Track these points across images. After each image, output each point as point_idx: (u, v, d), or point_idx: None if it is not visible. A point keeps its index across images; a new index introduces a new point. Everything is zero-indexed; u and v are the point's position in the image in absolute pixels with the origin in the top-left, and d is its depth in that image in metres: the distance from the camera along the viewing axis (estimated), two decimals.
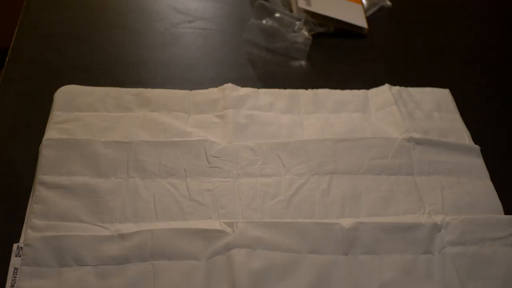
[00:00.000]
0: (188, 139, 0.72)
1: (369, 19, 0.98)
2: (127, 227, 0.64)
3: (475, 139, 0.78)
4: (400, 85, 0.84)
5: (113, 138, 0.72)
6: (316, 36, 0.92)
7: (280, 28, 0.90)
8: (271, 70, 0.88)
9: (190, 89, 0.80)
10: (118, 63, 0.86)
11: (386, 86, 0.83)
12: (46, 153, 0.69)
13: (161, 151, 0.71)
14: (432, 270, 0.63)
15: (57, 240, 0.61)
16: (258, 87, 0.82)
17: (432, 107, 0.82)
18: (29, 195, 0.66)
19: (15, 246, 0.61)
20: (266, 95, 0.81)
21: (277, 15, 0.91)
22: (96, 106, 0.76)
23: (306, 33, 0.90)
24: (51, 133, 0.72)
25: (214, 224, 0.65)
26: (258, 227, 0.64)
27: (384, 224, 0.65)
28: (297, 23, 0.90)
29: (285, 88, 0.83)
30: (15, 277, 0.59)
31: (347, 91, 0.83)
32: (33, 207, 0.64)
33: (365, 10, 0.99)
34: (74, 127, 0.73)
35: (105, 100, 0.77)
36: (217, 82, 0.82)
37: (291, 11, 0.94)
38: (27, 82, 0.81)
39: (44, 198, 0.65)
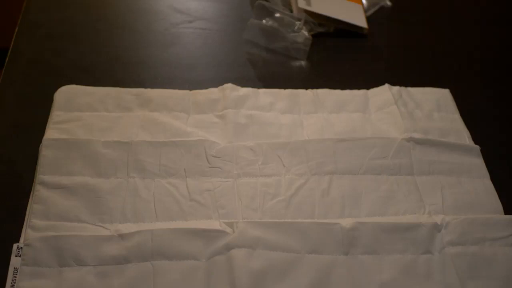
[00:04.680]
0: (188, 139, 0.72)
1: (369, 19, 0.98)
2: (127, 227, 0.64)
3: (475, 139, 0.78)
4: (400, 85, 0.84)
5: (113, 138, 0.72)
6: (316, 36, 0.92)
7: (280, 28, 0.90)
8: (271, 70, 0.88)
9: (190, 89, 0.80)
10: (118, 63, 0.86)
11: (386, 86, 0.83)
12: (46, 153, 0.69)
13: (161, 151, 0.71)
14: (432, 270, 0.63)
15: (57, 240, 0.61)
16: (258, 87, 0.82)
17: (432, 107, 0.82)
18: (29, 195, 0.66)
19: (15, 246, 0.61)
20: (266, 95, 0.81)
21: (277, 15, 0.91)
22: (96, 106, 0.76)
23: (306, 33, 0.90)
24: (51, 133, 0.72)
25: (214, 224, 0.64)
26: (258, 227, 0.64)
27: (384, 224, 0.65)
28: (297, 23, 0.90)
29: (285, 88, 0.83)
30: (15, 277, 0.59)
31: (347, 91, 0.83)
32: (33, 207, 0.64)
33: (365, 10, 0.99)
34: (74, 127, 0.73)
35: (105, 100, 0.77)
36: (217, 82, 0.82)
37: (291, 11, 0.94)
38: (27, 82, 0.81)
39: (44, 198, 0.65)
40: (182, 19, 0.95)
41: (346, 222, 0.65)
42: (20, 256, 0.60)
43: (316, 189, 0.70)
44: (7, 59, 0.83)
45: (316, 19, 0.93)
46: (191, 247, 0.62)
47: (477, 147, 0.76)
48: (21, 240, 0.62)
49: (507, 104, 0.87)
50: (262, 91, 0.81)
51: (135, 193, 0.67)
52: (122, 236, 0.62)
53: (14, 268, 0.59)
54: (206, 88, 0.81)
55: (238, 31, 0.93)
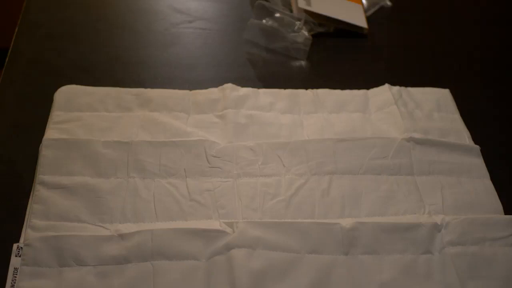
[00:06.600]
0: (188, 139, 0.72)
1: (369, 19, 0.98)
2: (127, 227, 0.64)
3: (475, 139, 0.78)
4: (400, 85, 0.84)
5: (113, 138, 0.72)
6: (316, 36, 0.92)
7: (280, 28, 0.90)
8: (271, 70, 0.88)
9: (190, 89, 0.80)
10: (118, 63, 0.86)
11: (386, 86, 0.83)
12: (46, 153, 0.69)
13: (161, 151, 0.71)
14: (432, 270, 0.63)
15: (57, 240, 0.61)
16: (258, 87, 0.82)
17: (432, 107, 0.82)
18: (29, 195, 0.66)
19: (15, 246, 0.61)
20: (266, 95, 0.81)
21: (277, 15, 0.91)
22: (96, 106, 0.76)
23: (306, 33, 0.90)
24: (51, 133, 0.72)
25: (214, 224, 0.64)
26: (258, 227, 0.64)
27: (384, 224, 0.65)
28: (297, 23, 0.90)
29: (285, 88, 0.83)
30: (15, 277, 0.59)
31: (347, 91, 0.83)
32: (33, 207, 0.64)
33: (365, 10, 0.99)
34: (74, 127, 0.73)
35: (105, 100, 0.77)
36: (217, 82, 0.82)
37: (291, 11, 0.94)
38: (27, 82, 0.81)
39: (44, 198, 0.65)
40: (182, 19, 0.95)
41: (346, 222, 0.65)
42: (20, 256, 0.60)
43: (316, 189, 0.70)
44: (7, 59, 0.83)
45: (316, 19, 0.93)
46: (191, 247, 0.62)
47: (477, 147, 0.76)
48: (21, 240, 0.62)
49: (507, 104, 0.87)
50: (262, 91, 0.81)
51: (135, 193, 0.67)
52: (122, 236, 0.62)
53: (14, 268, 0.59)
54: (206, 88, 0.81)
55: (238, 31, 0.93)
